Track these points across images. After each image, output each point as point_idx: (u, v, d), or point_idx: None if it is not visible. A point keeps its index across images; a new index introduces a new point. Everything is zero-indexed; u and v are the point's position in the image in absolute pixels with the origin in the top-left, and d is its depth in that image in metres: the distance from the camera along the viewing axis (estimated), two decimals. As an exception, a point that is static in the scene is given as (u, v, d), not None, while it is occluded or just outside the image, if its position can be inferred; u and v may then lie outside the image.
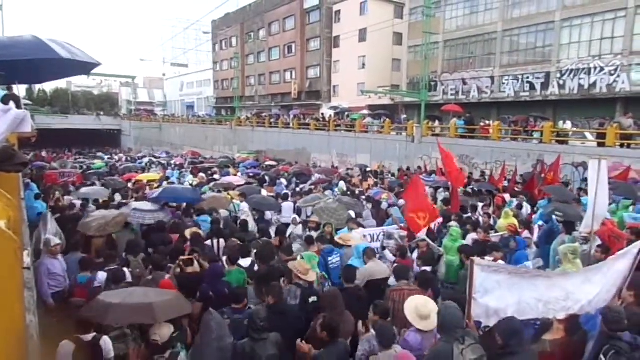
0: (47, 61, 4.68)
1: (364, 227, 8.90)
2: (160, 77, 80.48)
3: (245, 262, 6.26)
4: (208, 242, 7.32)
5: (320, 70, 42.18)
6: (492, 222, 9.30)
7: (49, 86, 71.27)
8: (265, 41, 48.53)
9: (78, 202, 10.57)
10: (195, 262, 5.90)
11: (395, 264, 6.43)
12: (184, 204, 10.09)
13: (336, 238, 7.44)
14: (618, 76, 21.90)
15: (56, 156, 32.83)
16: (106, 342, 4.02)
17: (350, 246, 6.94)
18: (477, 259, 4.17)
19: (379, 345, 3.97)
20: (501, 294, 3.96)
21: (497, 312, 3.92)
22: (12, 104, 4.39)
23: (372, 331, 4.22)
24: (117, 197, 12.11)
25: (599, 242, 6.70)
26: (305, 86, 43.80)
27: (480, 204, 10.71)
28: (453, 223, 8.46)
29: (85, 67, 5.44)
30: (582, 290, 4.10)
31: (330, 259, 6.51)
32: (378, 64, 37.02)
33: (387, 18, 35.36)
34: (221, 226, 8.28)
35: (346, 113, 31.82)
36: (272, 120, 35.44)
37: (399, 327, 4.57)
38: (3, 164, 2.42)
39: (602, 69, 22.55)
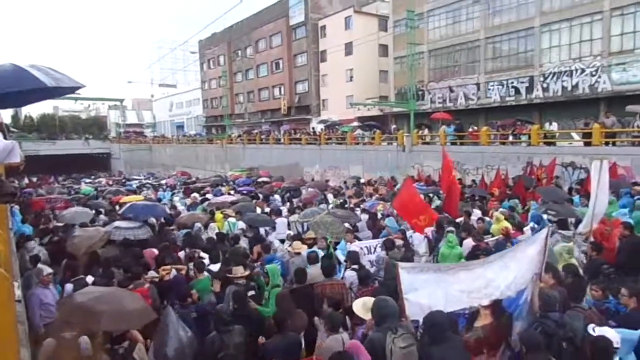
0: (25, 91, 4.57)
1: (359, 239, 8.89)
2: (148, 99, 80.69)
3: (215, 267, 7.28)
4: (182, 253, 8.30)
5: (308, 84, 42.49)
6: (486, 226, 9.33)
7: (35, 112, 71.22)
8: (252, 58, 48.87)
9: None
10: (173, 271, 6.88)
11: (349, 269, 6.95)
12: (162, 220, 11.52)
13: (287, 247, 8.41)
14: (599, 77, 22.34)
15: (40, 182, 32.54)
16: (85, 340, 4.38)
17: (299, 254, 7.63)
18: (401, 263, 4.63)
19: (327, 331, 4.43)
20: (430, 290, 4.27)
21: (430, 308, 4.16)
22: (-1, 134, 4.34)
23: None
24: (103, 217, 12.67)
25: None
26: (294, 101, 44.03)
27: (477, 210, 10.74)
28: (450, 228, 8.48)
29: (69, 90, 5.39)
30: (500, 276, 4.36)
31: (270, 266, 7.02)
32: (365, 76, 37.38)
33: (372, 31, 35.85)
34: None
35: (336, 126, 31.95)
36: (262, 137, 35.54)
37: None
38: (-8, 196, 2.39)
39: (583, 70, 22.98)
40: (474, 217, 10.07)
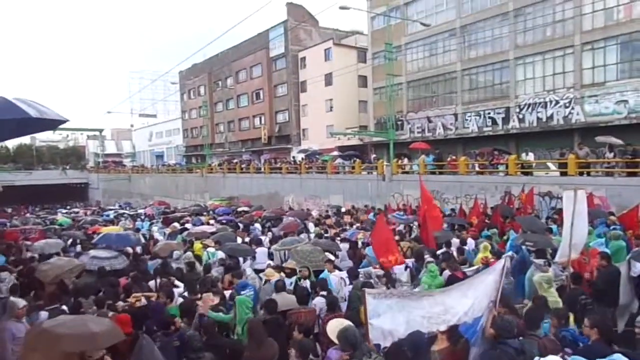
0: (12, 120, 4.59)
1: (340, 269, 8.80)
2: (128, 128, 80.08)
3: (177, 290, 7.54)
4: (152, 282, 8.38)
5: (289, 114, 42.89)
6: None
7: (11, 142, 69.65)
8: (233, 89, 49.29)
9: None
10: (143, 299, 7.02)
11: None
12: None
13: (261, 274, 8.53)
14: (572, 108, 23.11)
15: (15, 213, 31.66)
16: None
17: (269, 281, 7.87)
18: (368, 289, 4.84)
19: (298, 358, 4.53)
20: (392, 315, 4.45)
21: (392, 333, 4.37)
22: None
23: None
24: (78, 248, 12.56)
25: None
26: (274, 131, 44.29)
27: (455, 240, 10.79)
28: (429, 259, 8.47)
29: (52, 124, 5.37)
30: (459, 303, 4.58)
31: (243, 292, 7.06)
32: (345, 106, 37.95)
33: (351, 62, 36.63)
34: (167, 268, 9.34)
35: (316, 155, 32.13)
36: (243, 166, 35.44)
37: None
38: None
39: (557, 102, 23.78)
40: (453, 247, 10.10)
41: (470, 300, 4.62)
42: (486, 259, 8.09)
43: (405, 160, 23.68)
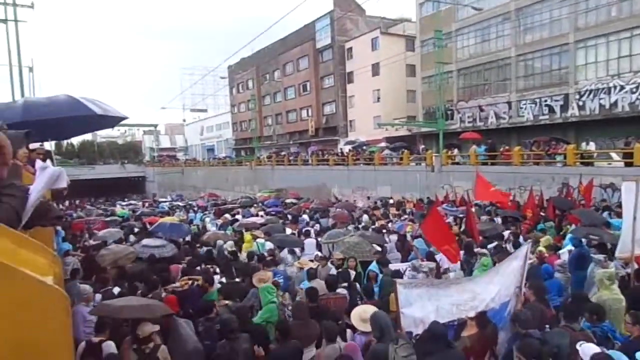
0: (78, 118, 4.98)
1: (388, 261, 8.86)
2: (180, 123, 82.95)
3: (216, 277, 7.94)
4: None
5: (335, 106, 42.93)
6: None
7: (76, 139, 74.16)
8: (280, 82, 49.88)
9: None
10: (189, 283, 7.57)
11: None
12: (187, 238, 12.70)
13: (296, 263, 9.08)
14: (640, 94, 21.63)
15: (79, 205, 33.92)
16: (108, 345, 5.12)
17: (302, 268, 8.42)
18: (399, 280, 5.22)
19: (325, 341, 4.90)
20: (422, 304, 4.70)
21: (423, 320, 4.60)
22: (48, 161, 4.69)
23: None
24: (132, 238, 13.48)
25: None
26: (322, 122, 44.50)
27: (507, 232, 10.55)
28: (485, 251, 8.39)
29: (112, 121, 5.77)
30: (486, 290, 4.84)
31: (274, 278, 7.53)
32: (393, 97, 37.49)
33: (399, 51, 36.06)
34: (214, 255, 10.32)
35: (364, 147, 32.05)
36: (291, 158, 35.94)
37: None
38: (41, 219, 2.59)
39: (622, 87, 22.33)
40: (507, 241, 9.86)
41: (497, 287, 4.84)
42: (540, 254, 7.86)
43: (455, 151, 23.16)
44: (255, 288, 6.92)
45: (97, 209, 27.43)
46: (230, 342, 5.09)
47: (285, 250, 10.37)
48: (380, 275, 7.82)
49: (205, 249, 11.13)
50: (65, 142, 67.22)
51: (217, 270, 8.64)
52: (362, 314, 5.28)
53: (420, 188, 22.34)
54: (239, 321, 5.61)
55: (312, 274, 7.53)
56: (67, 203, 32.90)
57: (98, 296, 7.10)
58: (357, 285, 7.48)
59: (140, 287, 7.41)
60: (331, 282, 7.11)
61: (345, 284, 7.26)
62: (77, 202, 37.73)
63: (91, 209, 27.52)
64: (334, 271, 8.26)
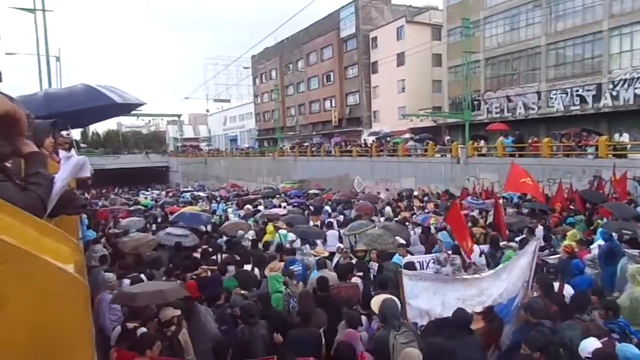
0: (98, 106, 5.04)
1: (412, 254, 8.82)
2: (204, 113, 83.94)
3: (247, 266, 8.14)
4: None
5: (359, 96, 42.66)
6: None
7: (101, 129, 76.01)
8: (303, 72, 49.80)
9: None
10: (209, 271, 7.81)
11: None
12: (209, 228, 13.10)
13: (312, 251, 9.31)
14: (678, 83, 20.75)
15: (104, 194, 34.81)
16: (142, 331, 5.39)
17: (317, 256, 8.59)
18: (404, 270, 5.32)
19: (347, 328, 5.17)
20: (428, 297, 4.90)
21: (428, 312, 4.82)
22: (73, 150, 4.77)
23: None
24: (154, 227, 14.00)
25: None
26: (345, 113, 44.32)
27: (540, 227, 10.29)
28: (512, 244, 8.26)
29: (130, 107, 5.84)
30: (493, 285, 5.01)
31: (292, 267, 7.76)
32: (418, 87, 37.03)
33: (425, 40, 35.51)
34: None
35: (388, 138, 31.83)
36: (313, 149, 35.97)
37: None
38: (66, 208, 2.63)
39: (659, 76, 21.46)
40: (538, 234, 9.64)
41: (505, 283, 5.01)
42: (570, 248, 7.66)
43: (482, 143, 22.78)
44: (266, 277, 7.22)
45: (121, 198, 28.05)
46: (249, 327, 5.28)
47: (300, 241, 10.51)
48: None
49: (225, 238, 11.36)
50: (90, 131, 69.07)
51: (237, 259, 8.84)
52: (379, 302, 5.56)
53: (445, 180, 22.10)
54: (260, 308, 5.85)
55: (321, 264, 7.69)
56: (92, 192, 33.83)
57: (126, 281, 7.34)
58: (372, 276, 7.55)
59: (157, 274, 7.73)
60: (342, 271, 7.33)
61: (361, 274, 7.41)
62: (103, 191, 38.67)
63: (115, 198, 28.18)
64: (373, 265, 8.23)
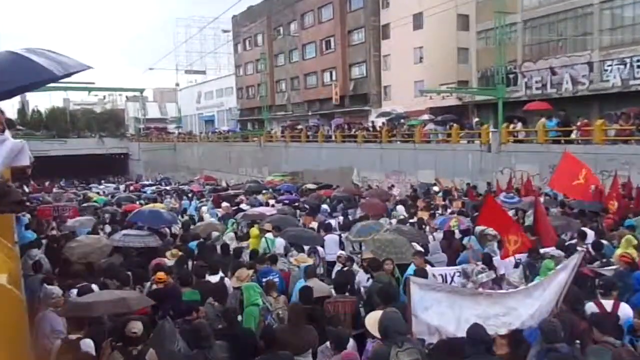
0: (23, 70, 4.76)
1: (431, 264, 8.83)
2: (172, 88, 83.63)
3: (213, 278, 8.25)
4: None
5: (366, 68, 42.55)
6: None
7: (44, 105, 75.70)
8: (297, 37, 49.60)
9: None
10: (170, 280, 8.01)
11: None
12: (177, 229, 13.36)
13: (292, 259, 9.40)
14: None
15: (47, 187, 34.71)
16: (86, 343, 5.58)
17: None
18: (413, 278, 5.39)
19: (333, 350, 5.27)
20: (441, 311, 4.93)
21: (438, 329, 4.87)
22: (7, 132, 4.67)
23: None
24: (108, 229, 14.16)
25: None
26: (348, 89, 44.21)
27: (589, 231, 10.28)
28: (557, 252, 8.25)
29: (70, 73, 5.64)
30: (522, 304, 5.01)
31: (265, 279, 7.89)
32: (439, 56, 36.89)
33: (448, -2, 35.39)
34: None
35: (402, 119, 31.76)
36: (309, 133, 35.90)
37: None
38: (-3, 204, 2.59)
39: None
40: (589, 240, 9.63)
41: (537, 302, 5.01)
42: (629, 257, 7.65)
43: (519, 125, 22.73)
44: (237, 289, 7.49)
45: (67, 193, 27.95)
46: (202, 351, 5.32)
47: (277, 245, 10.65)
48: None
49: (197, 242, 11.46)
50: (30, 109, 68.82)
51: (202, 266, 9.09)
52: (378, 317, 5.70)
53: (472, 172, 22.07)
54: (226, 325, 6.08)
55: (310, 272, 7.90)
56: (31, 184, 33.73)
57: (74, 292, 7.47)
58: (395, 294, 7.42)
59: (111, 284, 7.89)
60: (340, 282, 7.56)
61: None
62: (46, 183, 38.51)
63: (60, 192, 28.08)
64: (362, 275, 8.31)
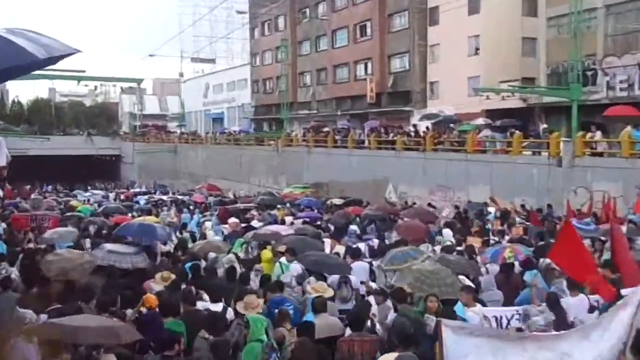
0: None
1: (483, 303, 8.70)
2: (176, 79, 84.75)
3: (215, 307, 8.46)
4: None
5: (409, 59, 42.49)
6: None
7: (26, 96, 77.30)
8: (326, 20, 49.79)
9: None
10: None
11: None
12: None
13: (308, 287, 9.56)
14: None
15: (20, 192, 35.31)
16: None
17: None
18: (445, 320, 5.38)
19: None
20: (482, 359, 4.90)
21: None
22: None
23: None
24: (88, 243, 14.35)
25: None
26: (387, 84, 44.18)
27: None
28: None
29: (57, 58, 5.68)
30: (578, 348, 4.92)
31: (278, 310, 8.06)
32: (500, 47, 36.69)
33: (513, -24, 35.28)
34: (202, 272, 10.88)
35: (451, 124, 31.54)
36: (337, 137, 35.91)
37: None
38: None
39: None
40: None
41: (597, 346, 4.92)
42: None
43: (598, 134, 22.42)
44: (240, 319, 7.59)
45: (48, 200, 28.38)
46: None
47: (292, 272, 10.61)
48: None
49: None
50: (10, 99, 70.30)
51: (205, 295, 9.22)
52: None
53: (538, 191, 21.87)
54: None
55: (320, 304, 8.03)
56: (7, 188, 34.37)
57: (43, 317, 7.61)
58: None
59: (86, 308, 7.92)
60: (357, 317, 7.72)
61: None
62: (27, 187, 39.27)
63: (39, 199, 28.56)
64: (392, 315, 8.18)
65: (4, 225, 15.47)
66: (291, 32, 54.38)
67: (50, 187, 47.14)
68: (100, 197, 34.68)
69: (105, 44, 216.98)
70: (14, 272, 10.27)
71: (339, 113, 48.71)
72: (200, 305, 8.58)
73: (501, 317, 8.20)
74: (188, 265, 11.18)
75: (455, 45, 38.70)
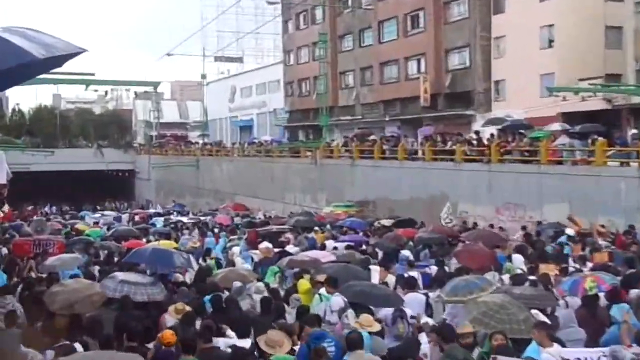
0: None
1: (562, 343, 8.54)
2: (197, 82, 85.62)
3: (244, 342, 8.52)
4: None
5: (470, 55, 42.51)
6: None
7: (27, 103, 79.02)
8: (371, 10, 50.01)
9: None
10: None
11: None
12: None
13: (351, 321, 9.58)
14: None
15: (21, 213, 36.07)
16: None
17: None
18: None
19: None
20: None
21: None
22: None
23: None
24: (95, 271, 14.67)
25: None
26: (444, 84, 44.13)
27: None
28: None
29: (61, 59, 5.82)
30: None
31: (317, 345, 7.84)
32: (577, 39, 36.44)
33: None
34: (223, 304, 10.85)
35: (521, 130, 31.29)
36: (385, 147, 35.87)
37: None
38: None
39: None
40: None
41: None
42: None
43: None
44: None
45: (52, 223, 28.93)
46: None
47: (334, 306, 10.55)
48: None
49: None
50: (10, 108, 71.78)
51: (228, 331, 9.25)
52: None
53: (627, 209, 21.55)
54: None
55: (353, 342, 7.75)
56: (7, 209, 35.19)
57: (49, 354, 7.77)
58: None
59: (92, 344, 8.13)
60: (400, 357, 7.88)
61: None
62: (28, 208, 40.08)
63: (43, 220, 29.15)
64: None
65: (4, 250, 15.78)
66: (330, 24, 54.75)
67: (54, 207, 48.07)
68: (112, 218, 35.09)
69: (116, 42, 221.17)
70: (20, 308, 10.27)
71: (387, 119, 48.83)
72: (222, 342, 8.55)
73: (585, 358, 8.03)
74: (208, 297, 11.28)
75: (525, 37, 38.55)
